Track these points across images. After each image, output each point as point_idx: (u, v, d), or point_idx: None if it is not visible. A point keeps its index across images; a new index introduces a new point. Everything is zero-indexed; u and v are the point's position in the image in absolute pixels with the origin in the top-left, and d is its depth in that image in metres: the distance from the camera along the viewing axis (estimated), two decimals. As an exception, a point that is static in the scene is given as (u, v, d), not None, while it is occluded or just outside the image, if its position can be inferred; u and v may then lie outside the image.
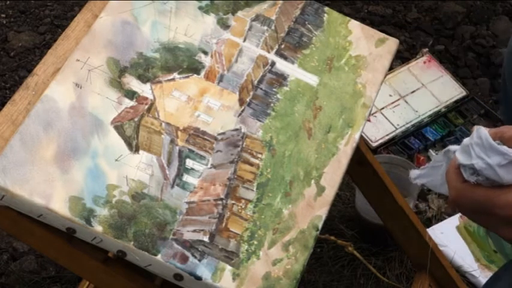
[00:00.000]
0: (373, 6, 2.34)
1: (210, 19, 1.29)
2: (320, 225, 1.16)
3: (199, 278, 1.07)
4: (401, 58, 2.23)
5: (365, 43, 1.34)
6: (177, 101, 1.20)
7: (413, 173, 1.11)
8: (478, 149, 0.95)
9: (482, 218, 0.99)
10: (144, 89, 1.20)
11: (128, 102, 1.18)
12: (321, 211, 1.17)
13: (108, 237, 1.07)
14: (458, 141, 2.08)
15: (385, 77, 1.33)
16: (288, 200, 1.16)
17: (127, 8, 1.26)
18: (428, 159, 2.05)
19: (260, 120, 1.22)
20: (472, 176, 0.95)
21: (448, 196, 1.00)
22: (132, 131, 1.16)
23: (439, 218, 1.95)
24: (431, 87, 2.16)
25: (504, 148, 0.94)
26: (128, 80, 1.20)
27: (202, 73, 1.24)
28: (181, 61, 1.24)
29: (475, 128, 0.97)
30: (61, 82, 1.17)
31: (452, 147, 1.05)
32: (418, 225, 1.61)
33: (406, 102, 2.14)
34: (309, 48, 1.31)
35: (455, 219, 1.93)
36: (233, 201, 1.14)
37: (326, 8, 1.36)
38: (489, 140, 0.94)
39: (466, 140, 0.97)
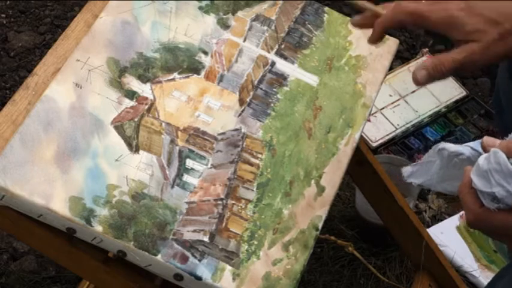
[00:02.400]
0: (373, 6, 2.34)
1: (210, 19, 1.29)
2: (320, 225, 1.16)
3: (199, 278, 1.07)
4: (401, 58, 2.23)
5: (365, 43, 1.33)
6: (177, 101, 1.20)
7: (406, 170, 1.10)
8: (497, 175, 0.92)
9: (502, 238, 0.99)
10: (144, 89, 1.20)
11: (128, 102, 1.18)
12: (321, 211, 1.17)
13: (108, 237, 1.07)
14: (458, 141, 2.08)
15: (385, 77, 1.33)
16: (288, 200, 1.16)
17: (127, 8, 1.26)
18: (429, 159, 2.05)
19: (260, 120, 1.22)
20: (492, 203, 0.93)
21: (446, 193, 1.00)
22: (132, 131, 1.16)
23: (439, 218, 1.95)
24: (431, 87, 2.17)
25: None
26: (128, 80, 1.20)
27: (202, 73, 1.24)
28: (182, 61, 1.24)
29: (492, 151, 0.93)
30: (61, 82, 1.17)
31: (447, 146, 1.04)
32: (418, 225, 1.61)
33: (406, 102, 2.14)
34: (309, 48, 1.31)
35: (455, 219, 1.93)
36: (233, 201, 1.14)
37: (326, 8, 1.36)
38: (508, 166, 0.92)
39: (482, 163, 0.94)
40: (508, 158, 0.93)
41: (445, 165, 1.05)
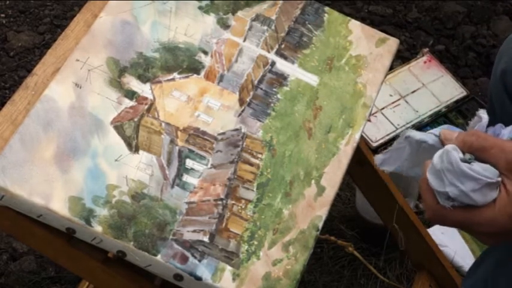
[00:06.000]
0: (374, 6, 2.34)
1: (210, 19, 1.29)
2: (320, 226, 1.16)
3: (199, 279, 1.07)
4: (401, 58, 2.23)
5: (365, 43, 1.34)
6: (177, 101, 1.20)
7: (378, 158, 1.10)
8: (450, 175, 0.93)
9: (465, 231, 1.00)
10: (144, 89, 1.20)
11: (128, 102, 1.18)
12: (321, 211, 1.17)
13: (108, 238, 1.07)
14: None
15: (385, 76, 1.33)
16: (288, 200, 1.16)
17: (127, 8, 1.26)
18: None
19: (260, 120, 1.22)
20: (447, 201, 0.94)
21: (418, 178, 1.00)
22: (132, 131, 1.16)
23: (439, 218, 1.95)
24: (431, 87, 2.16)
25: (476, 172, 0.92)
26: (128, 80, 1.20)
27: (202, 73, 1.24)
28: (181, 61, 1.24)
29: (445, 149, 0.94)
30: (61, 82, 1.17)
31: (412, 134, 1.04)
32: (418, 225, 1.61)
33: (407, 102, 2.14)
34: (309, 48, 1.31)
35: (455, 219, 1.93)
36: (233, 202, 1.13)
37: (326, 8, 1.36)
38: (460, 165, 0.92)
39: (436, 162, 0.95)
40: (464, 153, 0.94)
41: (414, 151, 1.05)
